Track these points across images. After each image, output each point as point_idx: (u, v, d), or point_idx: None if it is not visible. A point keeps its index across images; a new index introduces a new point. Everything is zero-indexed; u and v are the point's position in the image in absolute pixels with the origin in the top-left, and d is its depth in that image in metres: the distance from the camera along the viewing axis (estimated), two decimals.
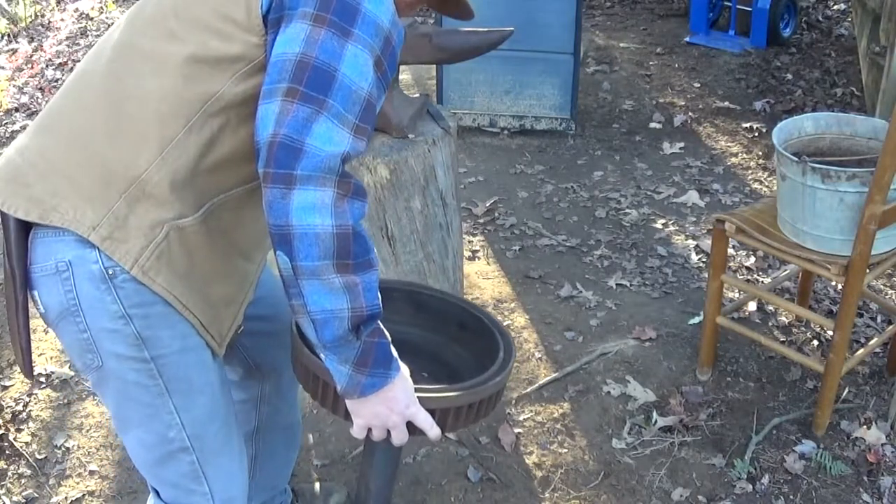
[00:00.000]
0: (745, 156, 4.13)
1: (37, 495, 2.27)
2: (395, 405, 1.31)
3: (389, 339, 1.30)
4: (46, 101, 4.87)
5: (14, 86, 5.21)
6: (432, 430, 1.35)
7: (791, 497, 2.23)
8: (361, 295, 1.23)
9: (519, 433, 2.44)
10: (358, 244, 1.22)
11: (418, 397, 1.32)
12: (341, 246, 1.19)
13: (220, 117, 1.30)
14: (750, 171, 3.98)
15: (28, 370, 1.42)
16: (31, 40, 5.91)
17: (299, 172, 1.17)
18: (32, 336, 2.74)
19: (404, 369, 1.33)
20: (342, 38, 1.21)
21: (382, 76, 1.27)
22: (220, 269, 1.40)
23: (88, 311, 1.33)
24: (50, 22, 6.27)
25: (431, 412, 1.34)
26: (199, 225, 1.34)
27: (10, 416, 2.52)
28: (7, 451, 2.41)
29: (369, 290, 1.24)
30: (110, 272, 1.30)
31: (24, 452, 2.40)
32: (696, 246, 3.36)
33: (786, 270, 3.07)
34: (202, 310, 1.39)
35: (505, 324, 2.92)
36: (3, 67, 5.41)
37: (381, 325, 1.29)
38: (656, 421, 2.45)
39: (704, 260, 3.25)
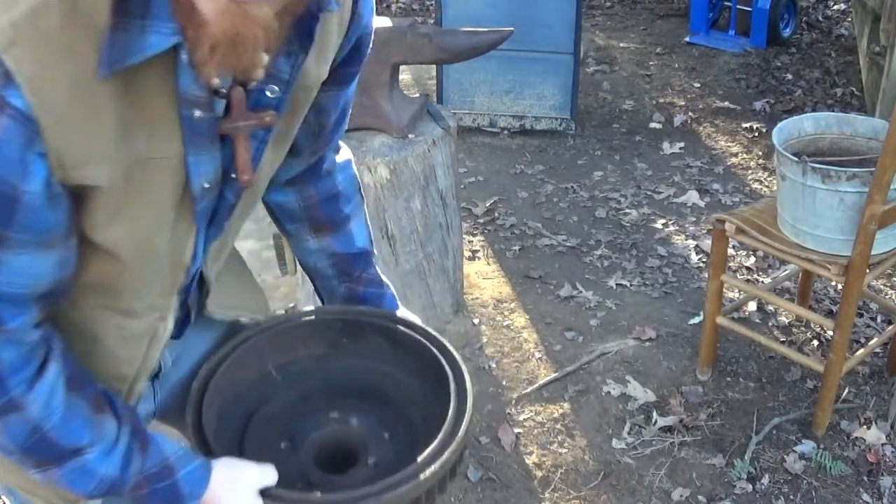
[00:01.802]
0: (745, 156, 4.13)
1: None
2: None
3: (176, 475, 1.09)
4: None
5: None
6: None
7: (791, 497, 2.23)
8: (68, 487, 1.05)
9: (519, 433, 2.44)
10: (37, 455, 1.01)
11: (296, 500, 1.09)
12: (20, 461, 1.03)
13: None
14: (750, 171, 3.98)
15: None
16: None
17: None
18: None
19: (228, 480, 1.10)
20: None
21: None
22: None
23: None
24: None
25: None
26: None
27: None
28: None
29: (76, 480, 1.04)
30: None
31: None
32: (696, 246, 3.36)
33: (786, 270, 3.07)
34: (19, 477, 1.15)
35: (505, 324, 2.92)
36: None
37: (162, 464, 1.09)
38: (656, 421, 2.45)
39: (704, 260, 3.25)
